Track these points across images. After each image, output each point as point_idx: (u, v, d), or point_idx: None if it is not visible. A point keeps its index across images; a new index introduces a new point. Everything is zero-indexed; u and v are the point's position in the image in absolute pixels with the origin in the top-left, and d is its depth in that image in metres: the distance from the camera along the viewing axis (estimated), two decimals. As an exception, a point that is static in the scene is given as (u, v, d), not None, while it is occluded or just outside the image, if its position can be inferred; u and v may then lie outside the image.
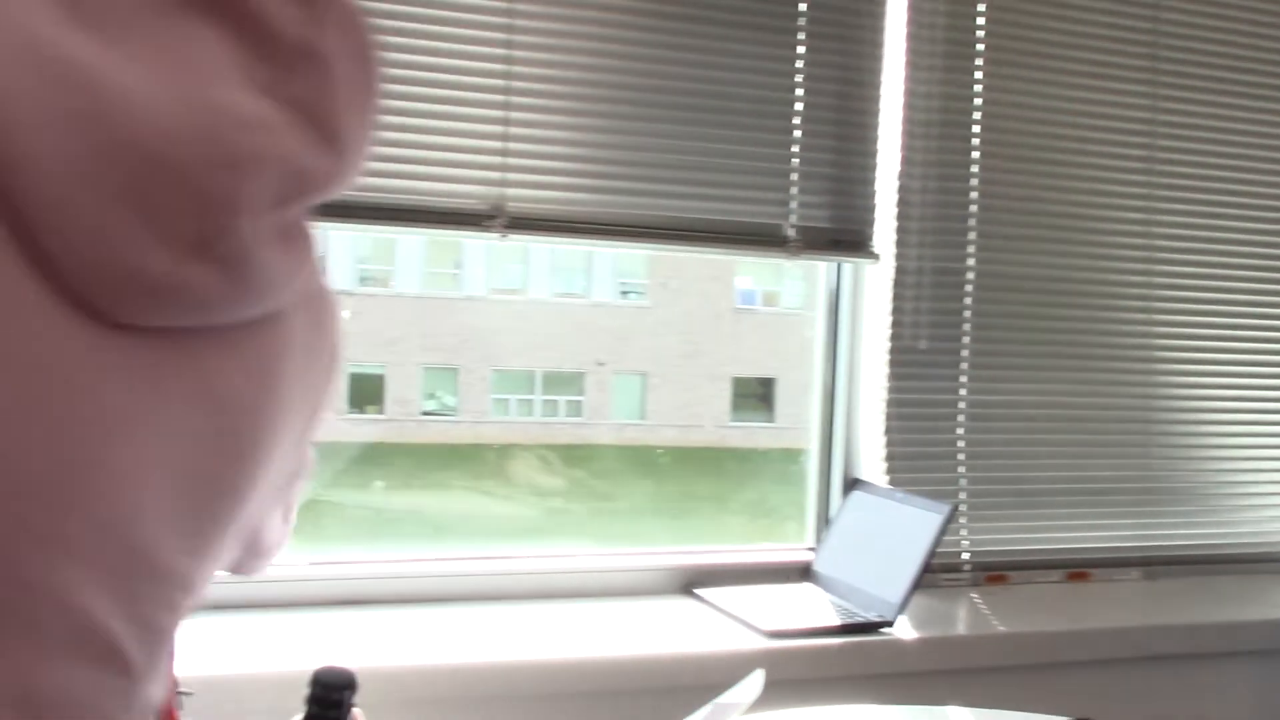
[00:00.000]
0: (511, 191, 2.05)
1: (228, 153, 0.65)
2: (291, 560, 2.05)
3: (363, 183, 1.97)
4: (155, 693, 0.79)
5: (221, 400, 0.74)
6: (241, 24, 0.70)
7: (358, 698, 1.25)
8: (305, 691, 1.24)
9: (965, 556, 2.42)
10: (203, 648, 1.78)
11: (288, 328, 0.80)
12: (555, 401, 4.50)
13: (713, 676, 1.65)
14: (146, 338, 0.69)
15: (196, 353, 0.72)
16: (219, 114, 0.66)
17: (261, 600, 1.99)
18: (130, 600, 0.73)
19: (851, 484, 2.37)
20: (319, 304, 0.86)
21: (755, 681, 1.48)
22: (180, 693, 1.13)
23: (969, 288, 2.39)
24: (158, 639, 0.78)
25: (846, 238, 2.30)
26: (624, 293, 4.54)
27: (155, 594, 0.76)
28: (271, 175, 0.69)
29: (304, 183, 0.73)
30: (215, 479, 0.77)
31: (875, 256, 2.31)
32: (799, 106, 2.24)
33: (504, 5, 2.03)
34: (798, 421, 2.55)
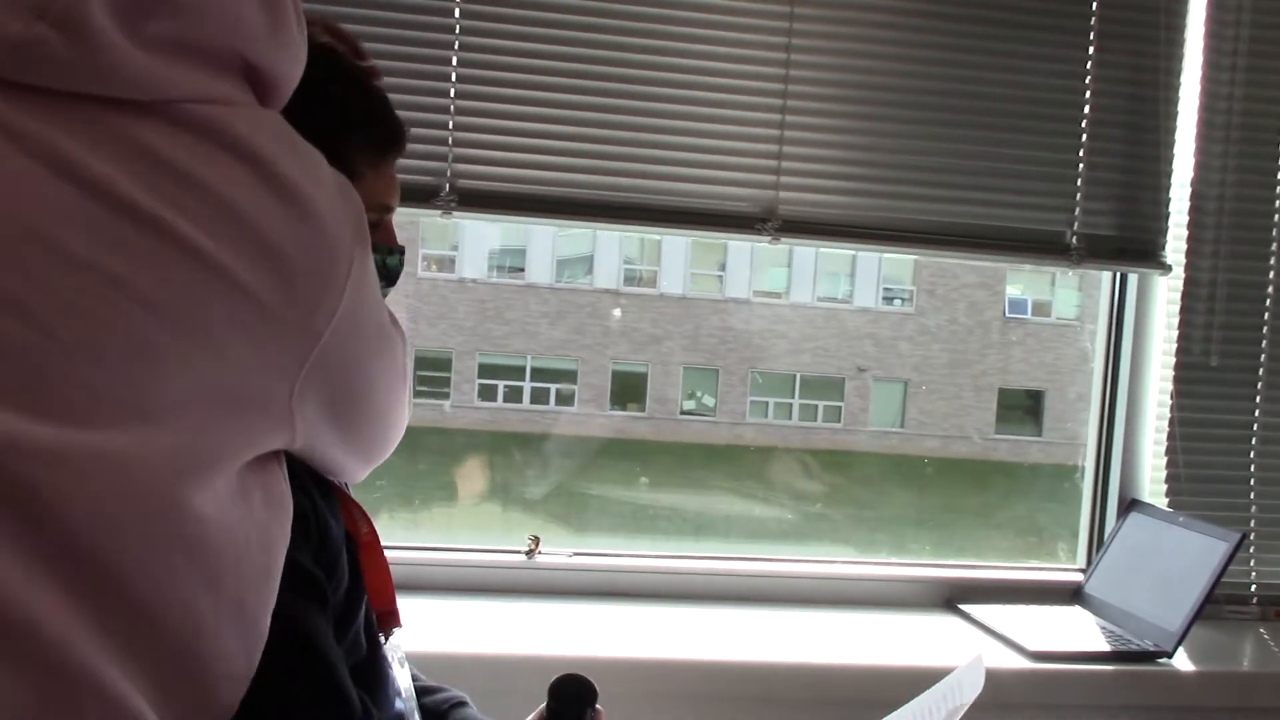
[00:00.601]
0: (785, 195, 2.05)
1: None
2: (556, 550, 2.11)
3: (632, 184, 2.01)
4: None
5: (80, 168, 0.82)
6: None
7: (604, 688, 1.25)
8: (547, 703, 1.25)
9: (1253, 589, 2.27)
10: (470, 629, 1.86)
11: (166, 137, 0.85)
12: (814, 406, 4.48)
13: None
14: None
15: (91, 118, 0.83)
16: None
17: (526, 586, 2.06)
18: None
19: (1129, 505, 2.26)
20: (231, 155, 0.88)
21: (976, 671, 1.37)
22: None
23: (1268, 302, 2.24)
24: None
25: (1133, 246, 2.19)
26: (888, 299, 4.48)
27: None
28: None
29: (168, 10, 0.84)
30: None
31: (1166, 267, 2.20)
32: (1087, 109, 2.15)
33: (784, 9, 2.04)
34: (1068, 436, 2.45)
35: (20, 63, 0.81)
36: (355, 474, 1.08)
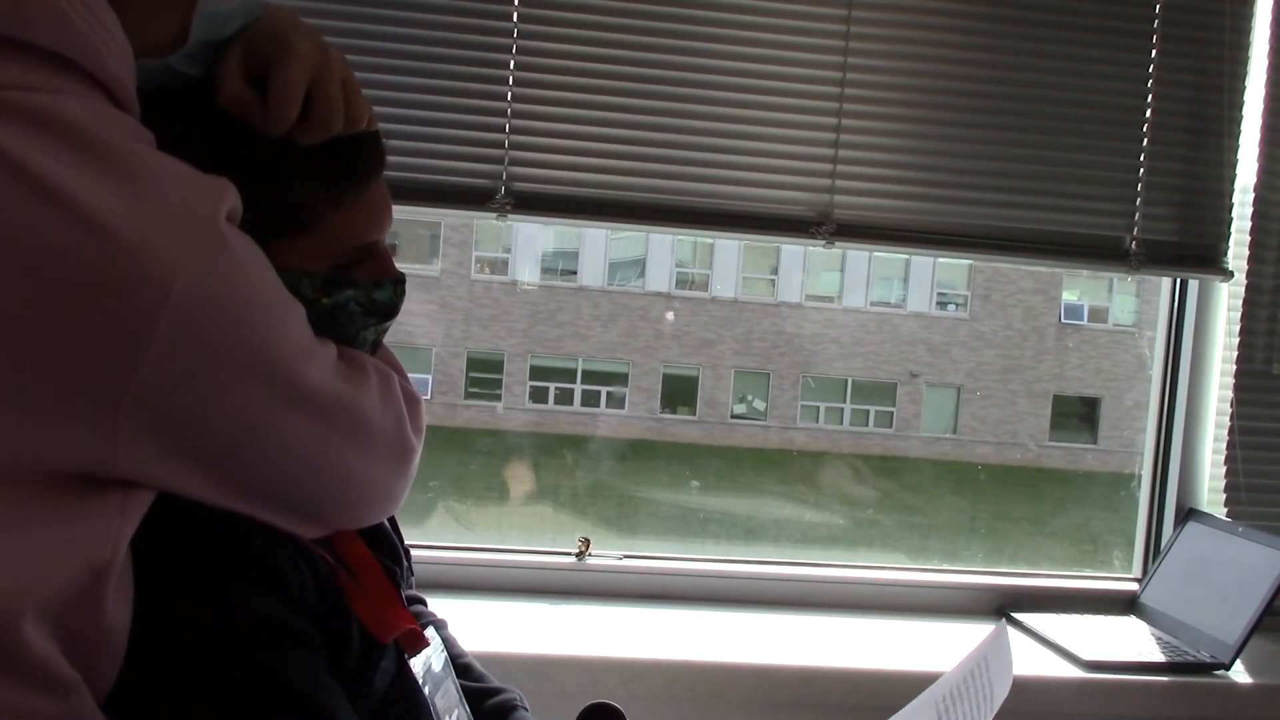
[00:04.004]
0: (839, 199, 2.05)
1: None
2: (606, 552, 2.11)
3: (686, 187, 2.01)
4: None
5: None
6: None
7: (652, 692, 1.24)
8: None
9: (1314, 601, 2.23)
10: (520, 630, 1.87)
11: None
12: (866, 411, 4.47)
13: (1028, 704, 1.59)
14: None
15: None
16: None
17: (576, 588, 2.07)
18: None
19: (1186, 514, 2.23)
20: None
21: (1002, 648, 1.28)
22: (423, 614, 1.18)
23: (1333, 310, 2.20)
24: None
25: (1194, 252, 2.16)
26: (942, 304, 4.45)
27: None
28: None
29: None
30: None
31: (1228, 273, 2.16)
32: (1148, 113, 2.12)
33: (842, 12, 2.03)
34: (1124, 444, 2.41)
35: None
36: (298, 529, 0.95)
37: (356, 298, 1.02)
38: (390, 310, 1.06)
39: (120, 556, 0.83)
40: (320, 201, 0.99)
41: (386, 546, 1.12)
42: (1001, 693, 1.20)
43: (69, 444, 0.79)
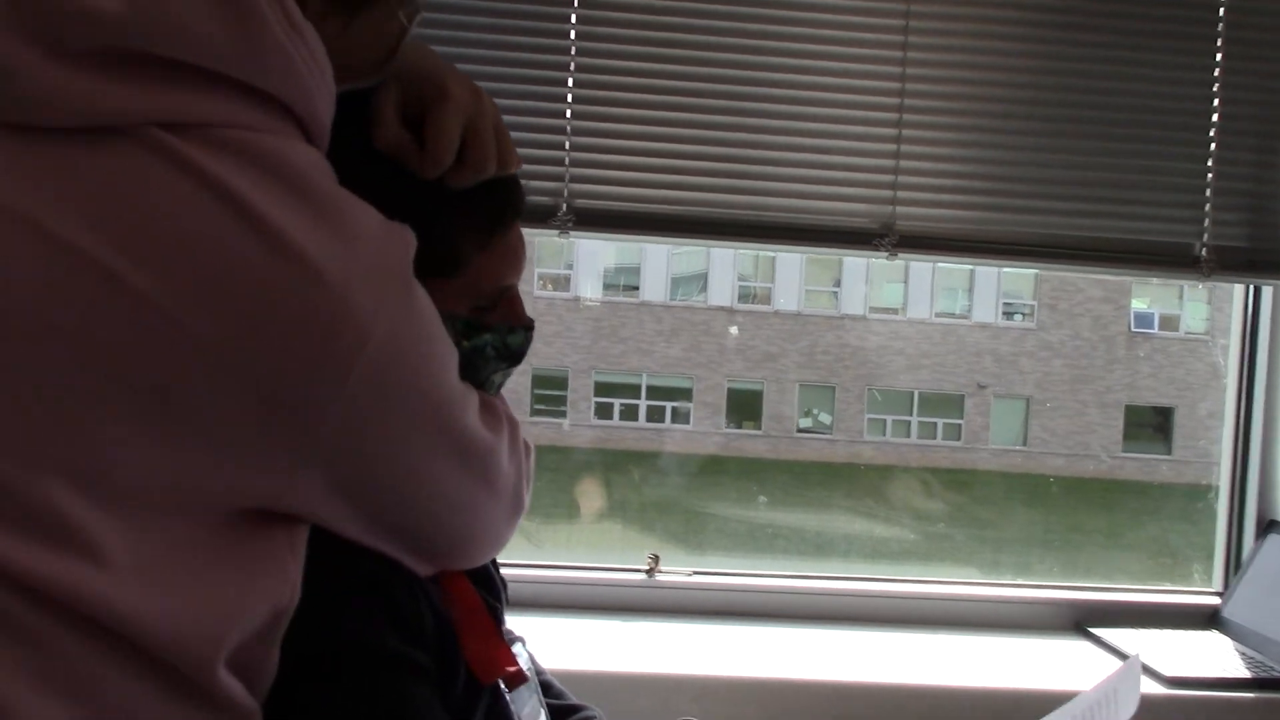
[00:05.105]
0: (902, 209, 2.03)
1: None
2: (675, 569, 2.10)
3: (747, 201, 2.00)
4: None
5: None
6: None
7: (722, 709, 1.24)
8: None
9: (1403, 614, 2.16)
10: (590, 647, 1.87)
11: (137, 172, 0.77)
12: (933, 424, 4.43)
13: (1110, 722, 1.55)
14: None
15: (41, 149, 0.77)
16: None
17: (646, 605, 2.06)
18: None
19: (1267, 526, 2.17)
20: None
21: (1132, 681, 1.27)
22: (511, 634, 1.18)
23: None
24: None
25: (1266, 258, 2.11)
26: (1008, 314, 4.40)
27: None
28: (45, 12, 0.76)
29: (80, 13, 0.76)
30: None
31: (1302, 279, 2.12)
32: (1215, 118, 2.08)
33: (900, 23, 2.01)
34: (1200, 454, 2.37)
35: None
36: (414, 565, 0.97)
37: (493, 342, 1.03)
38: (520, 356, 1.07)
39: (297, 596, 0.86)
40: (470, 244, 1.00)
41: (488, 583, 1.13)
42: None
43: (257, 477, 0.81)
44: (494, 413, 0.99)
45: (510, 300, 1.06)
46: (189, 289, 0.76)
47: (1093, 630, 2.08)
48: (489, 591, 1.11)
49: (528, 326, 1.07)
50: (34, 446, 0.75)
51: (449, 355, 0.90)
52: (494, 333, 1.03)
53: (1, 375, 0.75)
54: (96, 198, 0.76)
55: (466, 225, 1.00)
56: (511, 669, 1.04)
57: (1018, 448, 4.20)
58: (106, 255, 0.75)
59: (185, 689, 0.80)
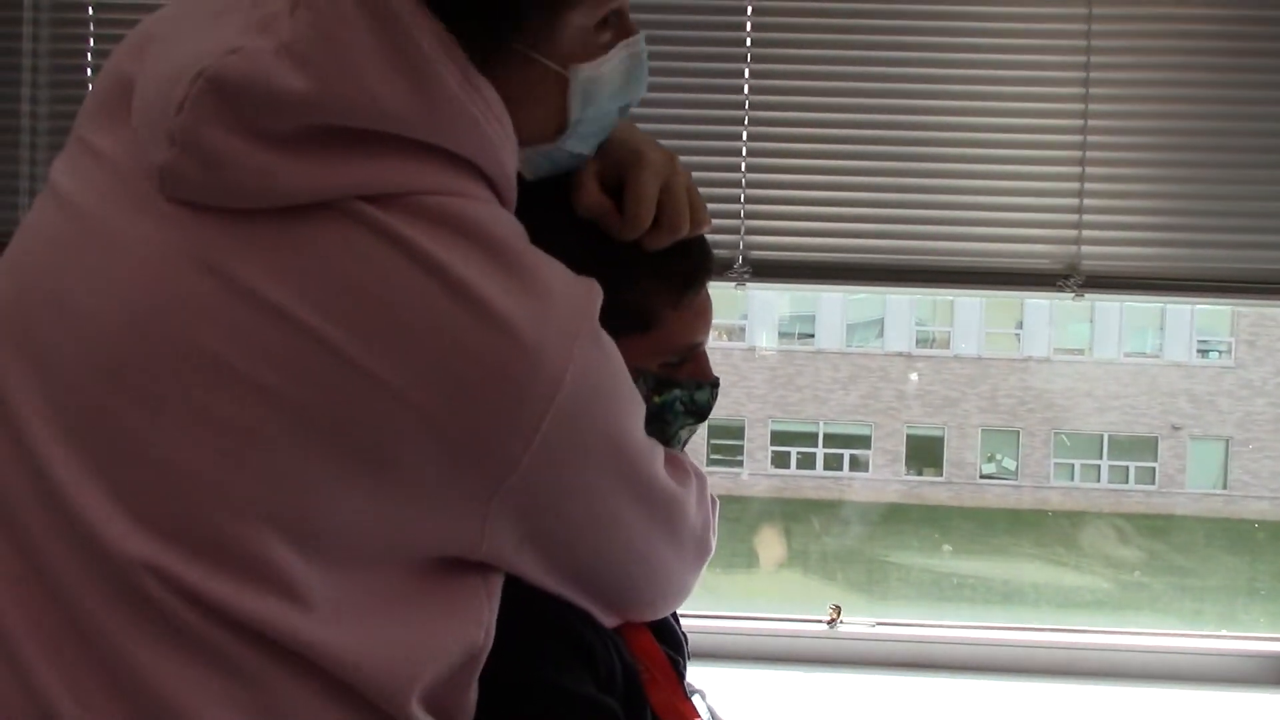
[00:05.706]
0: (1087, 249, 1.98)
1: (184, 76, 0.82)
2: (858, 619, 2.08)
3: (925, 246, 1.98)
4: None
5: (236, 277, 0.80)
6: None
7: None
8: None
9: None
10: (772, 700, 1.86)
11: (333, 247, 0.81)
12: (1124, 468, 4.26)
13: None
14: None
15: (232, 231, 0.82)
16: (211, 51, 0.82)
17: (828, 657, 2.04)
18: None
19: None
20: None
21: None
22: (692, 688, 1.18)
23: None
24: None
25: None
26: (1203, 351, 4.22)
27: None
28: (226, 90, 0.81)
29: (270, 98, 0.80)
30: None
31: None
32: None
33: (1080, 60, 1.98)
34: None
35: (174, 185, 0.82)
36: (599, 616, 0.97)
37: (681, 398, 1.05)
38: (706, 412, 1.09)
39: (491, 639, 0.88)
40: (662, 302, 1.02)
41: (671, 637, 1.14)
42: None
43: (451, 528, 0.84)
44: (680, 467, 1.00)
45: (698, 357, 1.08)
46: (399, 357, 0.79)
47: (1307, 685, 1.97)
48: (671, 645, 1.12)
49: (714, 383, 1.08)
50: (248, 500, 0.79)
51: (635, 406, 0.92)
52: (683, 389, 1.05)
53: (216, 431, 0.79)
54: (307, 271, 0.80)
55: (660, 285, 1.02)
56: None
57: (1218, 491, 4.02)
58: (324, 327, 0.79)
59: None
